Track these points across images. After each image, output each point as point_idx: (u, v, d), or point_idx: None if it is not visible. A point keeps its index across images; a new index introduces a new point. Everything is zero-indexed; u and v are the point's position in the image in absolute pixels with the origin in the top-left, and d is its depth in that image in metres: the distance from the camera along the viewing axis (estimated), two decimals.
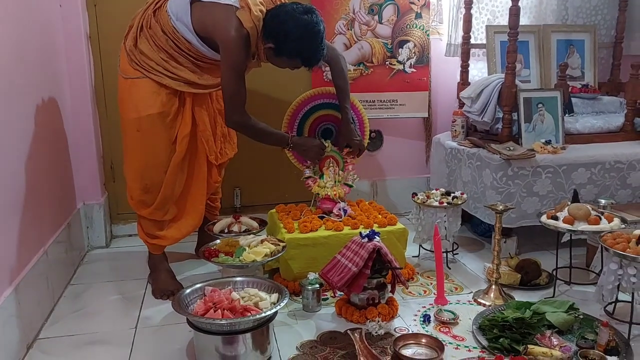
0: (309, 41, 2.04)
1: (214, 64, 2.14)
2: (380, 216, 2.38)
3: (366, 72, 3.00)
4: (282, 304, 1.70)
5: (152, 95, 2.05)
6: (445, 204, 2.38)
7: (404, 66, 3.03)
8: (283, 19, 2.01)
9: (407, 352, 1.71)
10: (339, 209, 2.40)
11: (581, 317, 1.88)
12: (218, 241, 2.21)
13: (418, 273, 2.38)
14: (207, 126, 2.24)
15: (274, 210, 2.55)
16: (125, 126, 2.13)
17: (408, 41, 3.00)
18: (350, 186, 2.50)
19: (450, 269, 2.44)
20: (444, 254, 2.40)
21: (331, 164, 2.51)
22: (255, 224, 2.40)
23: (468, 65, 2.96)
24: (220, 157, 2.36)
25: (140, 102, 2.05)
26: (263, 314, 1.63)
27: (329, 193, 2.43)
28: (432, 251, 2.39)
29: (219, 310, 1.63)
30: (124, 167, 2.19)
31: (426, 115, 3.14)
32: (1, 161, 1.70)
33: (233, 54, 2.00)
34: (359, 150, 2.47)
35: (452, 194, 2.45)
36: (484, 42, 2.94)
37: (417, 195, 2.48)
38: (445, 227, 2.39)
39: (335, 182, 2.48)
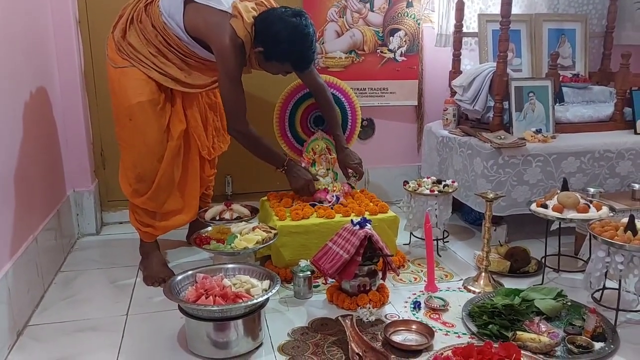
0: (299, 44, 2.02)
1: (204, 64, 2.12)
2: (371, 204, 2.39)
3: (357, 59, 3.00)
4: (274, 291, 1.70)
5: (142, 82, 2.03)
6: (436, 192, 2.39)
7: (394, 54, 3.02)
8: (272, 21, 2.00)
9: (397, 338, 1.73)
10: (331, 196, 2.41)
11: (569, 304, 1.91)
12: (209, 228, 2.21)
13: (409, 260, 2.40)
14: (198, 122, 2.24)
15: (265, 198, 2.54)
16: (118, 115, 2.11)
17: (399, 30, 3.00)
18: (353, 187, 2.52)
19: (440, 256, 2.46)
20: (435, 242, 2.41)
21: (324, 152, 2.51)
22: (246, 212, 2.40)
23: (460, 54, 2.96)
24: (213, 152, 2.37)
25: (130, 90, 2.03)
26: (254, 301, 1.64)
27: (328, 188, 2.43)
28: (423, 239, 2.40)
29: (211, 297, 1.63)
30: (121, 156, 2.18)
31: (416, 103, 3.14)
32: None
33: (229, 62, 2.00)
34: (360, 173, 2.50)
35: (443, 182, 2.46)
36: (476, 30, 2.94)
37: (408, 183, 2.48)
38: (436, 215, 2.40)
39: (326, 169, 2.49)
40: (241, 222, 2.27)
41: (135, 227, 2.25)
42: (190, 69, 2.12)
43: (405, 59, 3.03)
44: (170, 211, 2.21)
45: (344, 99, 2.57)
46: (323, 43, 2.95)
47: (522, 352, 1.55)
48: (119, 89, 2.06)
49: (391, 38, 3.00)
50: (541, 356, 1.59)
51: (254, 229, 2.13)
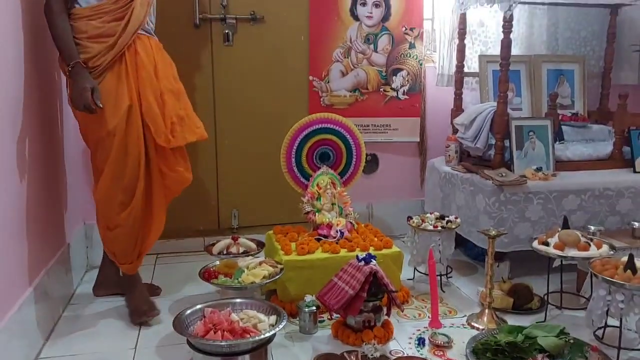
0: None
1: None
2: (376, 239, 2.43)
3: (361, 98, 3.09)
4: (281, 326, 1.74)
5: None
6: (439, 228, 2.43)
7: (397, 93, 3.13)
8: None
9: None
10: (336, 231, 2.45)
11: (571, 341, 1.92)
12: (217, 262, 2.25)
13: (413, 296, 2.43)
14: (152, 105, 2.07)
15: (271, 231, 2.59)
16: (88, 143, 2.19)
17: (402, 69, 3.11)
18: (353, 225, 2.57)
19: (444, 292, 2.48)
20: (438, 277, 2.45)
21: (328, 187, 2.57)
22: (253, 246, 2.45)
23: (462, 93, 3.05)
24: (173, 140, 2.12)
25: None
26: (262, 336, 1.67)
27: (332, 222, 2.47)
28: (427, 274, 2.43)
29: (219, 332, 1.66)
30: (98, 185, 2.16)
31: (418, 140, 3.23)
32: (2, 181, 1.71)
33: None
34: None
35: (447, 218, 2.51)
36: (477, 70, 3.04)
37: (412, 218, 2.53)
38: (440, 251, 2.44)
39: (332, 204, 2.55)
40: (248, 256, 2.32)
41: (117, 263, 2.23)
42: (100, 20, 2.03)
43: (407, 97, 3.13)
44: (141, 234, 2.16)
45: (348, 136, 2.65)
46: (328, 82, 3.05)
47: None
48: None
49: (394, 77, 3.10)
50: None
51: (260, 263, 2.18)
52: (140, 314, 2.15)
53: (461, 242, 2.87)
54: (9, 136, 1.77)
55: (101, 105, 1.96)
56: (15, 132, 1.82)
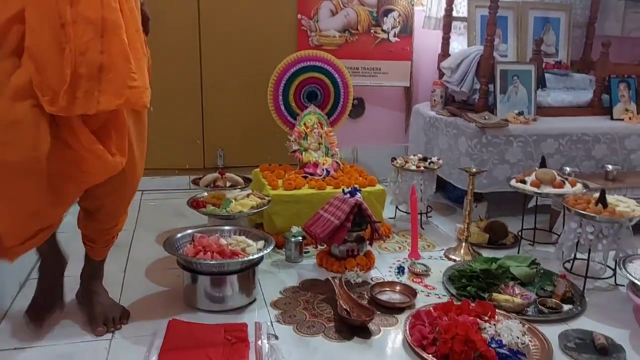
0: None
1: None
2: (361, 178, 2.50)
3: (351, 39, 3.09)
4: (269, 249, 1.81)
5: None
6: (422, 168, 2.51)
7: (388, 35, 3.12)
8: None
9: (382, 297, 1.85)
10: (322, 170, 2.51)
11: (542, 271, 2.05)
12: (205, 194, 2.29)
13: (394, 232, 2.52)
14: (39, 39, 1.25)
15: (257, 169, 2.64)
16: None
17: (393, 10, 3.09)
18: (339, 165, 2.62)
19: (424, 229, 2.58)
20: (419, 216, 2.53)
21: (315, 126, 2.60)
22: (240, 180, 2.49)
23: (449, 37, 3.07)
24: (72, 104, 1.28)
25: None
26: (250, 257, 1.74)
27: (319, 161, 2.52)
28: (408, 213, 2.52)
29: (209, 253, 1.73)
30: None
31: (407, 84, 3.25)
32: None
33: None
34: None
35: (429, 160, 2.58)
36: (465, 15, 3.05)
37: (396, 159, 2.60)
38: (421, 190, 2.52)
39: (318, 143, 2.59)
40: (236, 189, 2.37)
41: None
42: None
43: (398, 39, 3.13)
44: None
45: (336, 75, 2.66)
46: (317, 21, 3.03)
47: (496, 310, 1.68)
48: None
49: (385, 18, 3.09)
50: (514, 314, 1.71)
51: (248, 195, 2.23)
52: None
53: (442, 186, 2.96)
54: None
55: None
56: None
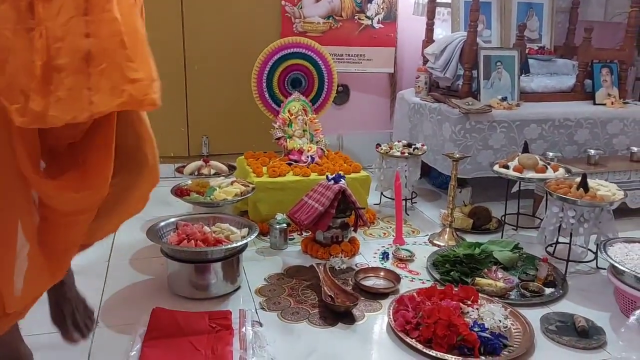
0: None
1: None
2: (345, 164, 2.50)
3: (335, 25, 3.07)
4: (253, 237, 1.80)
5: None
6: (406, 155, 2.51)
7: (372, 21, 3.10)
8: None
9: (367, 283, 1.86)
10: (307, 157, 2.50)
11: (524, 255, 2.07)
12: (189, 182, 2.28)
13: (379, 218, 2.53)
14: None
15: (242, 157, 2.62)
16: None
17: None
18: (324, 151, 2.61)
19: (408, 215, 2.59)
20: (403, 202, 2.54)
21: (300, 113, 2.59)
22: (224, 168, 2.48)
23: (433, 24, 3.06)
24: (57, 111, 0.90)
25: None
26: (234, 244, 1.74)
27: (304, 148, 2.51)
28: (393, 199, 2.53)
29: (192, 241, 1.72)
30: None
31: (392, 70, 3.24)
32: None
33: None
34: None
35: (413, 146, 2.59)
36: (449, 1, 3.04)
37: (380, 146, 2.60)
38: (406, 176, 2.53)
39: (303, 130, 2.58)
40: (220, 177, 2.35)
41: None
42: None
43: (382, 26, 3.12)
44: None
45: (320, 61, 2.65)
46: (301, 7, 3.00)
47: (479, 294, 1.70)
48: None
49: (369, 5, 3.07)
50: (497, 298, 1.74)
51: (232, 183, 2.22)
52: None
53: (426, 172, 2.97)
54: None
55: None
56: None
